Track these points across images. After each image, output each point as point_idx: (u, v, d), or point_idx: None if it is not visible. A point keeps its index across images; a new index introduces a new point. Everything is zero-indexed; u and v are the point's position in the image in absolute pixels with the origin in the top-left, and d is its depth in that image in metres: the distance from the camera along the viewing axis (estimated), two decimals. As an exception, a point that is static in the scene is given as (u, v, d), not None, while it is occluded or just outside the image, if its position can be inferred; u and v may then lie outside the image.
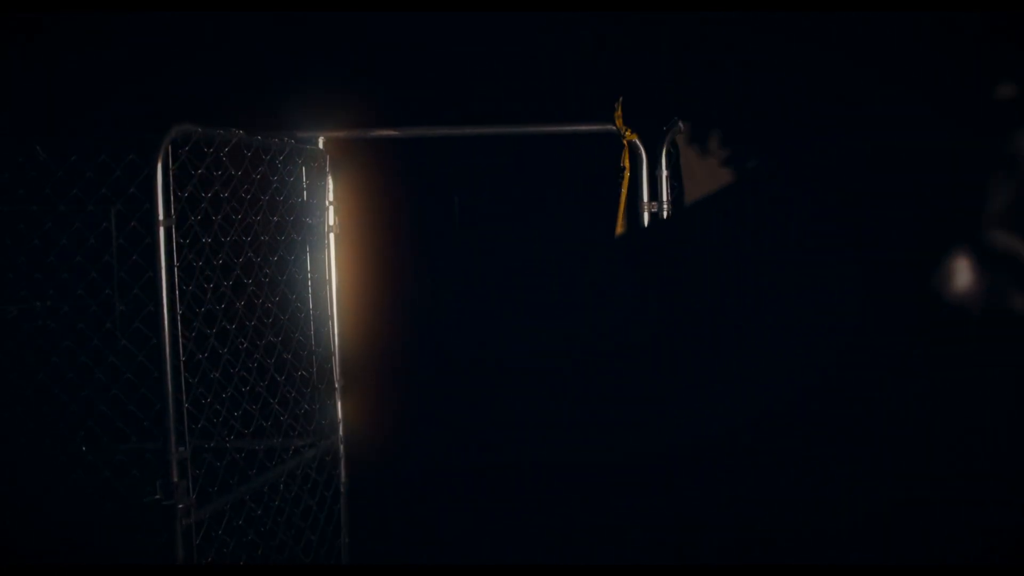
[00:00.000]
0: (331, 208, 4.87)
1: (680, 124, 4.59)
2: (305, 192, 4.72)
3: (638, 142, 4.62)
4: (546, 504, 5.10)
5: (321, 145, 4.81)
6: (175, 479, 3.55)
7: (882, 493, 4.55)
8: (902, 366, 4.61)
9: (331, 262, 4.88)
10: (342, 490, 4.90)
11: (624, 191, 4.62)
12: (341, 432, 4.90)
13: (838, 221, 4.68)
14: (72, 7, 4.98)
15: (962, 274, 4.54)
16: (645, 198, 4.66)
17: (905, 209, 4.61)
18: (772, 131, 4.74)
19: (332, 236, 4.89)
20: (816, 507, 4.59)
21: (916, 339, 4.59)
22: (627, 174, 4.62)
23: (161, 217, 3.53)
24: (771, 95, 4.76)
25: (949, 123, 4.57)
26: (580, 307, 5.01)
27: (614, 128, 4.63)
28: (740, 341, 4.74)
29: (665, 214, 4.64)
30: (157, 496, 3.57)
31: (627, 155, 4.63)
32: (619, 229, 4.62)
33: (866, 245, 4.65)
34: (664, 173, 4.66)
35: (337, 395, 4.88)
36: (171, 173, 3.57)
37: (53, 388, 4.71)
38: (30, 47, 5.25)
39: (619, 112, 4.60)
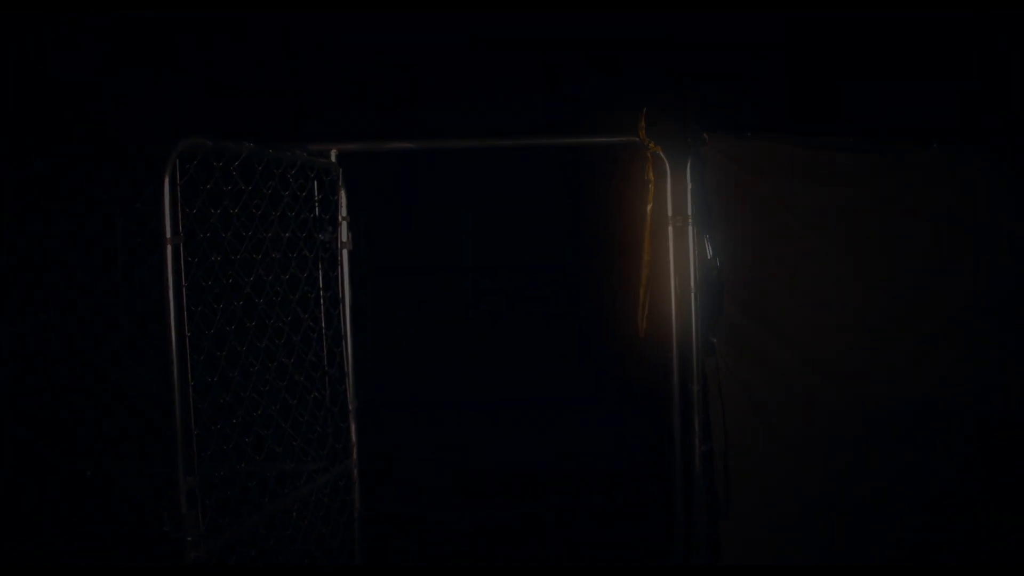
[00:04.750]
0: (344, 223, 4.70)
1: (705, 136, 4.43)
2: (317, 207, 4.56)
3: (662, 154, 4.46)
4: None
5: (333, 158, 4.65)
6: (184, 510, 3.39)
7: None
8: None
9: (344, 279, 4.71)
10: (356, 516, 4.72)
11: (650, 203, 4.46)
12: (355, 456, 4.72)
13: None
14: (72, 8, 4.84)
15: None
16: (669, 211, 4.49)
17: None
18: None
19: (345, 252, 4.72)
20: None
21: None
22: (652, 187, 4.46)
23: (169, 235, 3.36)
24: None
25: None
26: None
27: (637, 140, 4.47)
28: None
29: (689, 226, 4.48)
30: (165, 528, 3.40)
31: (651, 167, 4.47)
32: (647, 240, 4.46)
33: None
34: (689, 186, 4.49)
35: (351, 417, 4.70)
36: (179, 188, 3.42)
37: (58, 410, 4.57)
38: (30, 52, 5.11)
39: (643, 124, 4.44)
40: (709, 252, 4.52)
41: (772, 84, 5.42)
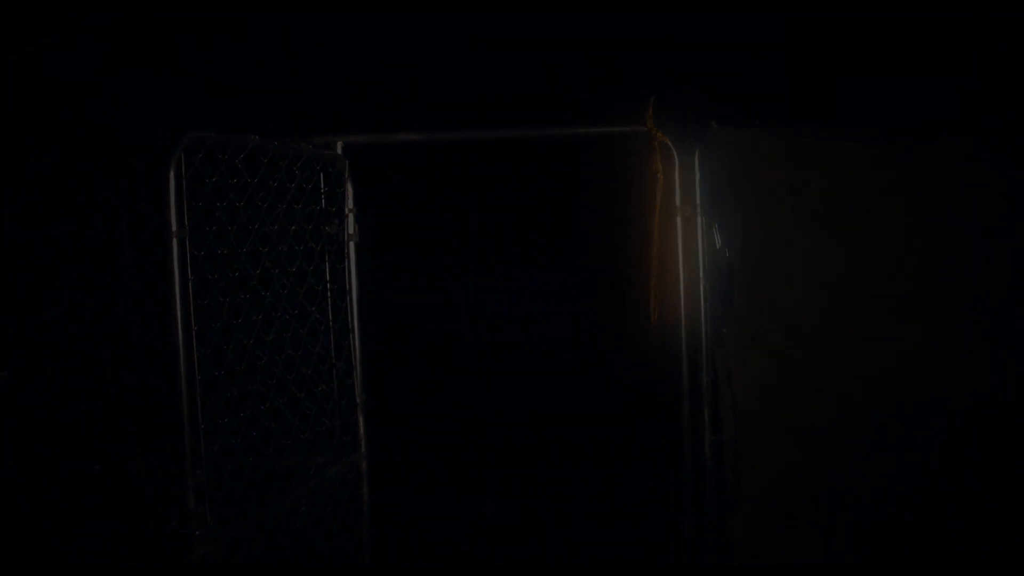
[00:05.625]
0: (351, 216, 4.68)
1: (714, 125, 4.40)
2: (323, 199, 4.54)
3: (670, 144, 4.43)
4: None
5: (340, 150, 4.62)
6: (192, 505, 3.37)
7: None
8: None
9: (351, 272, 4.68)
10: (364, 509, 4.71)
11: (659, 194, 4.43)
12: (364, 449, 4.71)
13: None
14: (78, 7, 4.82)
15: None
16: (678, 201, 4.47)
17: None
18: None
19: (352, 245, 4.70)
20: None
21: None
22: (661, 177, 4.43)
23: (175, 228, 3.34)
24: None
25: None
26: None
27: (644, 130, 4.44)
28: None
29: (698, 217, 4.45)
30: (173, 523, 3.39)
31: (659, 157, 4.44)
32: (655, 231, 4.44)
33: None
34: (697, 176, 4.46)
35: (359, 410, 4.68)
36: (184, 182, 3.40)
37: (65, 406, 4.55)
38: (34, 48, 5.09)
39: (650, 113, 4.41)
40: (718, 242, 4.49)
41: (775, 78, 5.40)
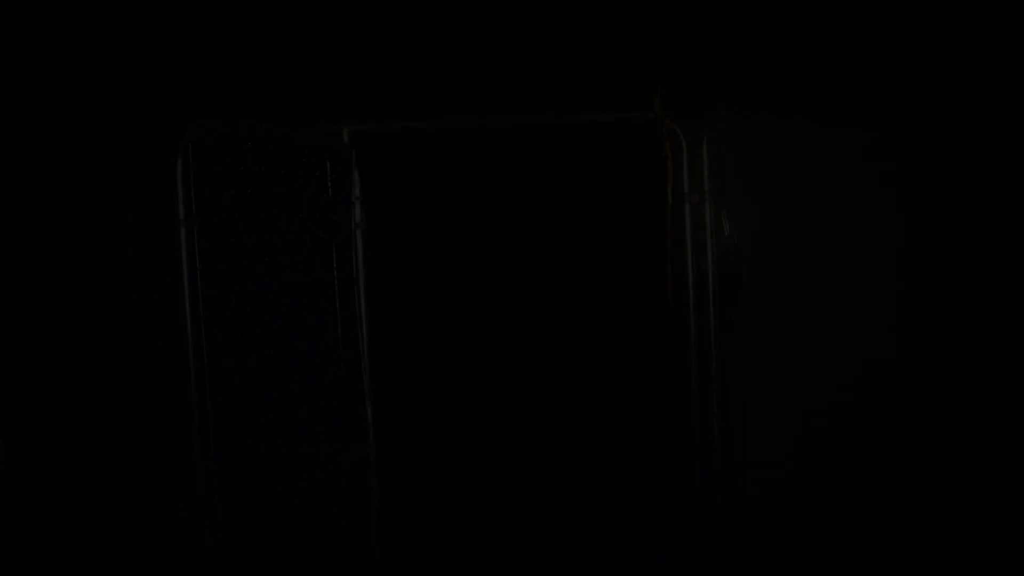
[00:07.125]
0: (357, 204, 4.67)
1: (723, 112, 4.39)
2: (330, 188, 4.53)
3: (678, 131, 4.41)
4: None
5: (346, 138, 4.61)
6: (200, 495, 3.38)
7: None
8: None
9: (359, 261, 4.68)
10: (372, 499, 4.72)
11: (670, 182, 4.42)
12: (372, 439, 4.71)
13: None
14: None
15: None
16: (686, 188, 4.45)
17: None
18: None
19: (358, 233, 4.69)
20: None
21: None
22: (670, 164, 4.41)
23: (183, 218, 3.34)
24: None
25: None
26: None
27: (653, 117, 4.42)
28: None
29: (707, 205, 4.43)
30: (182, 514, 3.40)
31: (667, 145, 4.42)
32: (669, 217, 4.42)
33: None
34: (705, 162, 4.45)
35: (367, 400, 4.69)
36: (191, 171, 3.39)
37: (72, 398, 4.55)
38: (39, 40, 5.08)
39: (658, 100, 4.39)
40: (726, 229, 4.48)
41: (784, 67, 5.40)
